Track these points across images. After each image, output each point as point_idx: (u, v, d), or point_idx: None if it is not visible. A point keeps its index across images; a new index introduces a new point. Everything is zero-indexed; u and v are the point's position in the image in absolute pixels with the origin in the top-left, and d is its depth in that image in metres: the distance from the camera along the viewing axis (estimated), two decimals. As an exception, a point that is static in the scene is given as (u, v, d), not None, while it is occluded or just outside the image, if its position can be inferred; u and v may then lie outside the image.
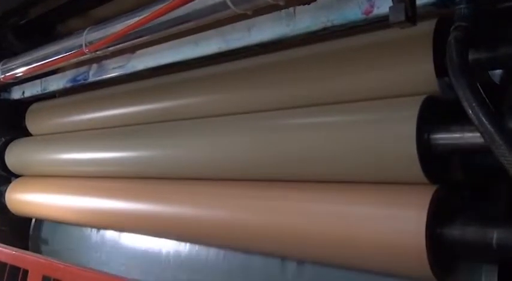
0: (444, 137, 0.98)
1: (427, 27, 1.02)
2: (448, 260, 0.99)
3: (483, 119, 0.81)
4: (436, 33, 1.02)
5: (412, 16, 0.83)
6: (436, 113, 1.01)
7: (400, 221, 0.98)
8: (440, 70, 1.02)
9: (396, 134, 1.00)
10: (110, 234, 1.96)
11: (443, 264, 0.97)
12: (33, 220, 2.34)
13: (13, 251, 1.62)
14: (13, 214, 2.31)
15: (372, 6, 1.07)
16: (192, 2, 1.07)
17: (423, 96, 1.01)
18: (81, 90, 2.04)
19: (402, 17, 0.81)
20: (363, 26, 1.13)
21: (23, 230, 2.35)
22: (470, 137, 0.95)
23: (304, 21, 1.20)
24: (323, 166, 1.13)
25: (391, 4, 1.02)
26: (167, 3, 1.11)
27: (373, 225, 1.02)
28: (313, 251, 1.14)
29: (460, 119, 0.94)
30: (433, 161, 0.98)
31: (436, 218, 0.96)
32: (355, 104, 1.13)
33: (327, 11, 1.16)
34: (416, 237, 0.93)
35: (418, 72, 1.05)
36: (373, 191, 1.06)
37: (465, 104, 0.84)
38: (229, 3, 1.09)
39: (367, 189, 1.07)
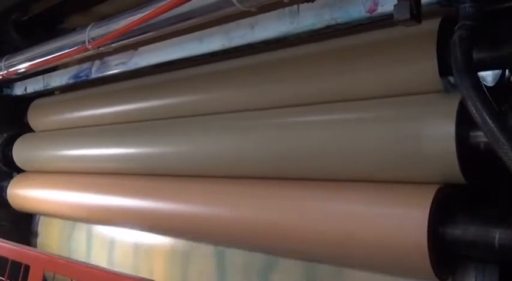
0: (481, 135, 0.95)
1: (431, 25, 1.02)
2: (450, 260, 0.99)
3: (487, 118, 0.82)
4: (440, 32, 1.02)
5: (417, 14, 0.82)
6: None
7: (402, 220, 0.98)
8: (444, 69, 1.02)
9: (403, 132, 0.99)
10: (110, 230, 1.96)
11: (445, 264, 0.97)
12: (38, 216, 2.35)
13: (15, 246, 1.62)
14: (14, 209, 2.31)
15: (376, 5, 1.07)
16: (196, -1, 1.07)
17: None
18: (83, 87, 2.05)
19: (407, 15, 0.81)
20: (367, 24, 1.12)
21: (24, 225, 2.36)
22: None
23: (307, 19, 1.20)
24: (325, 165, 1.13)
25: (395, 2, 1.02)
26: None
27: (375, 224, 1.02)
28: (314, 249, 1.14)
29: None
30: (471, 159, 0.97)
31: (438, 218, 0.96)
32: (357, 103, 1.13)
33: (330, 9, 1.15)
34: (418, 236, 0.94)
35: (421, 70, 1.04)
36: (375, 190, 1.06)
37: (469, 103, 0.84)
38: (234, 0, 1.08)
39: (369, 188, 1.07)
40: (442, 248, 0.96)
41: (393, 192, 1.04)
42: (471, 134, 0.96)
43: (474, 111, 0.83)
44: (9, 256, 1.60)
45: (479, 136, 0.94)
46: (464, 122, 0.95)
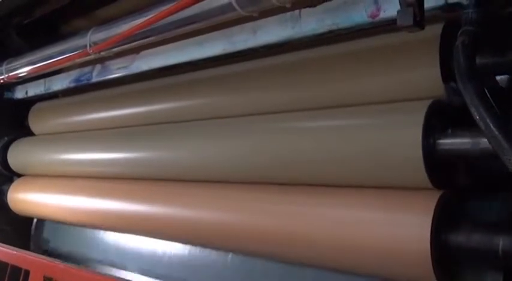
0: (450, 142, 0.97)
1: (433, 31, 1.02)
2: (453, 267, 0.98)
3: (490, 124, 0.81)
4: (443, 38, 1.01)
5: (420, 20, 0.82)
6: (442, 117, 1.00)
7: (404, 226, 0.97)
8: (447, 75, 1.01)
9: (402, 138, 0.99)
10: (112, 235, 1.96)
11: (448, 271, 0.96)
12: (35, 220, 2.34)
13: (14, 251, 1.62)
14: (15, 214, 2.30)
15: (379, 10, 1.07)
16: (199, 4, 1.07)
17: (429, 101, 1.00)
18: (84, 91, 2.04)
19: (410, 22, 0.81)
20: (368, 29, 1.12)
21: (24, 230, 2.35)
22: (476, 142, 0.94)
23: (309, 23, 1.20)
24: (327, 170, 1.12)
25: (398, 8, 1.01)
26: (173, 4, 1.11)
27: (378, 230, 1.01)
28: (316, 255, 1.13)
29: (467, 124, 0.93)
30: (438, 166, 0.97)
31: (441, 224, 0.95)
32: (361, 108, 1.12)
33: (332, 14, 1.15)
34: (420, 243, 0.93)
35: (424, 76, 1.04)
36: (377, 196, 1.05)
37: (472, 110, 0.83)
38: (236, 5, 1.08)
39: (371, 194, 1.07)
40: (444, 255, 0.95)
41: (395, 198, 1.03)
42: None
43: (477, 117, 0.82)
44: (9, 261, 1.59)
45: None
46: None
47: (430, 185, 0.97)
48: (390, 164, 1.00)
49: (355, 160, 1.06)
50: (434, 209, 0.94)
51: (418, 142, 0.95)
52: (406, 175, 0.99)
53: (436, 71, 1.01)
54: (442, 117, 1.00)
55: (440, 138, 0.98)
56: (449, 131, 0.98)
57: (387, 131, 1.03)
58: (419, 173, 0.96)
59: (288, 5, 1.08)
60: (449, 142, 0.97)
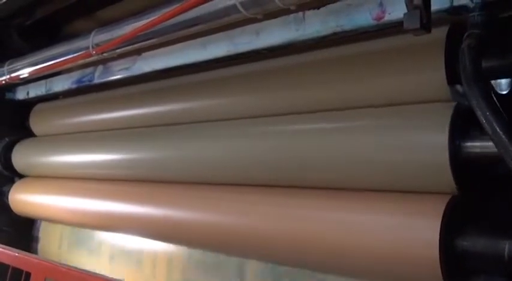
0: (476, 145, 0.95)
1: (439, 33, 1.01)
2: (460, 272, 0.97)
3: (497, 128, 0.80)
4: (448, 40, 1.01)
5: (427, 23, 0.81)
6: (464, 120, 0.98)
7: (413, 230, 0.96)
8: (452, 77, 1.00)
9: (424, 142, 0.97)
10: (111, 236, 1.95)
11: (455, 276, 0.96)
12: (39, 221, 2.34)
13: (16, 253, 1.61)
14: (16, 215, 2.30)
15: (384, 12, 1.06)
16: (203, 5, 1.06)
17: (452, 103, 0.98)
18: (86, 92, 2.04)
19: (417, 24, 0.80)
20: (374, 32, 1.11)
21: (25, 231, 2.35)
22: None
23: (313, 25, 1.19)
24: (334, 174, 1.11)
25: (403, 10, 1.01)
26: (177, 6, 1.10)
27: (385, 234, 1.00)
28: (323, 259, 1.12)
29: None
30: (464, 169, 0.96)
31: (450, 228, 0.94)
32: (365, 111, 1.12)
33: (336, 16, 1.15)
34: (429, 247, 0.92)
35: (429, 79, 1.03)
36: (385, 200, 1.04)
37: (478, 113, 0.83)
38: (240, 7, 1.08)
39: (379, 197, 1.06)
40: (452, 260, 0.94)
41: (403, 202, 1.02)
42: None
43: (484, 121, 0.82)
44: (10, 263, 1.59)
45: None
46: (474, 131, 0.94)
47: (454, 189, 0.95)
48: (410, 168, 0.99)
49: (362, 163, 1.05)
50: (443, 213, 0.93)
51: (444, 145, 0.93)
52: (428, 179, 0.97)
53: (441, 74, 1.00)
54: (464, 120, 0.98)
55: (466, 141, 0.96)
56: (474, 133, 0.96)
57: (394, 134, 1.02)
58: (444, 176, 0.94)
59: (292, 7, 1.07)
60: (475, 145, 0.95)
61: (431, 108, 1.03)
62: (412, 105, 1.05)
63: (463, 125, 0.97)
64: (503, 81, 1.07)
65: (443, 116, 0.96)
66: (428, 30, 0.84)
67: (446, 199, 0.96)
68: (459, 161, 0.95)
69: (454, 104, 0.98)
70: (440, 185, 0.96)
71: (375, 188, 1.08)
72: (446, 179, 0.94)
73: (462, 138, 0.96)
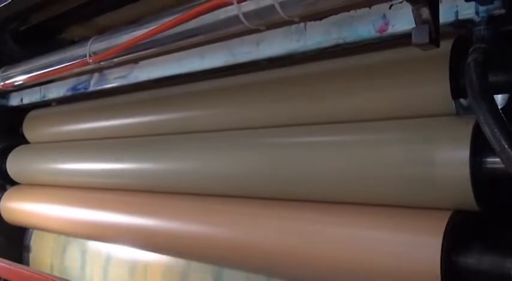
0: (497, 161, 0.92)
1: (443, 47, 0.99)
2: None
3: (505, 145, 0.79)
4: (453, 54, 1.00)
5: (436, 38, 0.80)
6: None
7: (413, 247, 0.95)
8: (457, 91, 0.99)
9: (445, 156, 0.95)
10: (105, 246, 1.92)
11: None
12: (30, 230, 2.30)
13: (8, 265, 1.57)
14: (7, 223, 2.26)
15: (387, 24, 1.05)
16: (204, 16, 1.04)
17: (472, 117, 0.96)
18: (81, 99, 2.01)
19: (426, 39, 0.79)
20: (377, 44, 1.10)
21: (17, 240, 2.31)
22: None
23: (315, 37, 1.17)
24: (334, 188, 1.10)
25: (406, 22, 1.00)
26: (178, 15, 1.09)
27: (386, 250, 0.98)
28: (322, 275, 1.10)
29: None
30: (485, 186, 0.94)
31: (452, 245, 0.92)
32: (367, 124, 1.10)
33: (339, 28, 1.13)
34: (430, 265, 0.90)
35: (433, 92, 1.02)
36: (386, 215, 1.03)
37: (486, 129, 0.81)
38: (243, 19, 1.06)
39: (380, 213, 1.04)
40: (454, 278, 0.92)
41: (404, 217, 1.00)
42: (487, 159, 0.93)
43: (491, 137, 0.80)
44: (2, 275, 1.55)
45: (496, 162, 0.91)
46: (479, 146, 0.93)
47: (475, 205, 0.93)
48: (426, 184, 0.96)
49: (362, 177, 1.04)
50: (445, 230, 0.91)
51: (466, 161, 0.91)
52: (446, 195, 0.95)
53: (445, 87, 0.99)
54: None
55: (487, 157, 0.94)
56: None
57: (397, 148, 1.01)
58: (465, 193, 0.92)
59: (296, 19, 1.05)
60: (496, 161, 0.92)
61: (428, 122, 1.01)
62: (422, 118, 1.04)
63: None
64: (499, 96, 1.06)
65: (463, 129, 0.94)
66: (437, 45, 0.83)
67: (448, 215, 0.94)
68: (480, 178, 0.92)
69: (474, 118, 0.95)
70: (460, 202, 0.94)
71: (375, 202, 1.07)
72: (466, 195, 0.92)
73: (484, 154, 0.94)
